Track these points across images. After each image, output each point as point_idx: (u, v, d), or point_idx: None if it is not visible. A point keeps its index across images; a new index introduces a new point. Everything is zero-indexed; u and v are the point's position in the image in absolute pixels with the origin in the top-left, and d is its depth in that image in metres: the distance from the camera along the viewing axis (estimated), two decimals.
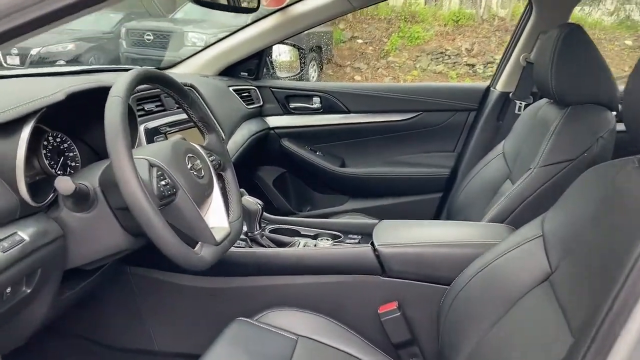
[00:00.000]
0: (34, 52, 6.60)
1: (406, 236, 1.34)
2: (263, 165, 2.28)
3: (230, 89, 2.01)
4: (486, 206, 1.59)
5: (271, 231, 1.53)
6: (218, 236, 1.04)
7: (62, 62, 6.58)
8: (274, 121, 2.23)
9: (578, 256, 0.86)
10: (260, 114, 2.21)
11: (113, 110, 0.89)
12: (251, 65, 2.19)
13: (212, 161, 1.15)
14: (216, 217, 1.10)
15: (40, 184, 1.00)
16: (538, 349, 0.82)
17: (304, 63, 2.37)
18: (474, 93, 2.16)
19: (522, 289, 0.93)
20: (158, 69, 2.07)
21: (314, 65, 7.41)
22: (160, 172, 0.96)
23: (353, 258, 1.30)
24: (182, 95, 1.12)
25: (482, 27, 8.80)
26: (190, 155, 1.06)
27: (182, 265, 0.93)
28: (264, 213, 1.48)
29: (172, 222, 0.97)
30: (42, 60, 6.58)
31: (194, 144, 1.12)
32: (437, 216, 2.19)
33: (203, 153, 1.12)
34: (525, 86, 1.98)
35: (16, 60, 6.43)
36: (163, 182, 0.95)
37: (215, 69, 2.08)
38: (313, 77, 7.36)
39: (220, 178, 1.20)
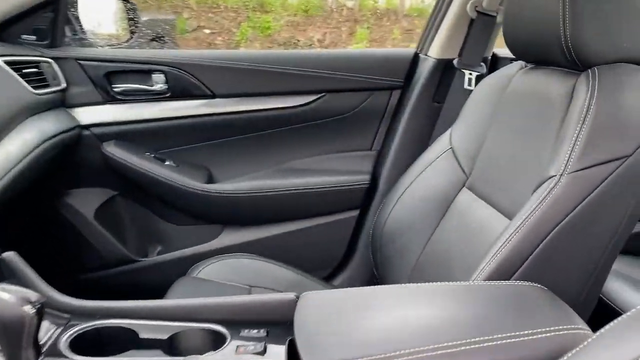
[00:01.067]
0: None
1: (364, 333, 0.71)
2: (74, 189, 1.54)
3: (0, 61, 1.26)
4: (435, 228, 1.20)
5: (74, 341, 0.73)
6: None
7: None
8: (88, 114, 1.51)
9: None
10: (62, 103, 1.47)
11: None
12: (41, 23, 1.44)
13: None
14: None
15: None
16: None
17: (136, 23, 1.63)
18: (396, 63, 1.64)
19: None
20: None
21: None
22: None
23: None
24: None
25: (332, 17, 9.07)
26: None
27: None
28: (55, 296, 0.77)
29: None
30: None
31: None
32: (353, 244, 1.64)
33: None
34: (477, 48, 1.51)
35: None
36: None
37: None
38: None
39: None
